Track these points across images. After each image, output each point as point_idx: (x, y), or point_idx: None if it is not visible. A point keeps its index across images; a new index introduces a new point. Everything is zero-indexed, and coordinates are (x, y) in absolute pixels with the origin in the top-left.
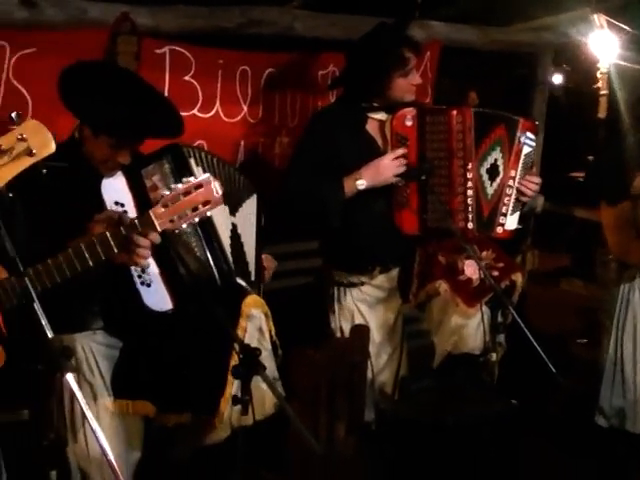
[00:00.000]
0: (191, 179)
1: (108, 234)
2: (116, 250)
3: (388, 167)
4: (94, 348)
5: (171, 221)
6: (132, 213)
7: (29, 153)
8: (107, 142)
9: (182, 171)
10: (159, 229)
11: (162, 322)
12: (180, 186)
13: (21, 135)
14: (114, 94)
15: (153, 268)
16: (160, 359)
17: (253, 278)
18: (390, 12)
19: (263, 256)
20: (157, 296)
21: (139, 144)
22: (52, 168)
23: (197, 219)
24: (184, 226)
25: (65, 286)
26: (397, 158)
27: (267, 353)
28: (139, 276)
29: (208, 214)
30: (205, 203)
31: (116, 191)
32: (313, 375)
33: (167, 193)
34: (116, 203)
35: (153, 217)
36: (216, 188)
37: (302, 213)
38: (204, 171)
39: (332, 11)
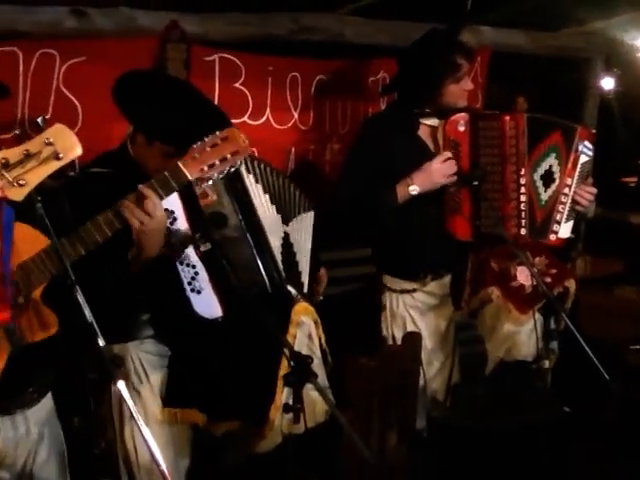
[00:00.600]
0: (217, 132)
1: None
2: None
3: (438, 170)
4: (143, 357)
5: (201, 170)
6: (182, 220)
7: (56, 157)
8: (161, 150)
9: (233, 178)
10: (190, 177)
11: (212, 329)
12: (206, 139)
13: (48, 139)
14: (169, 102)
15: (203, 275)
16: (209, 367)
17: (306, 290)
18: (439, 18)
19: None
20: (207, 303)
21: None
22: (96, 174)
23: (227, 168)
24: (215, 175)
25: (114, 294)
26: (446, 160)
27: (317, 361)
28: (189, 283)
29: (261, 221)
30: (234, 153)
31: (167, 198)
32: (365, 383)
33: (195, 146)
34: (166, 210)
35: (182, 166)
36: (242, 138)
37: (355, 220)
38: (255, 179)
39: (381, 17)
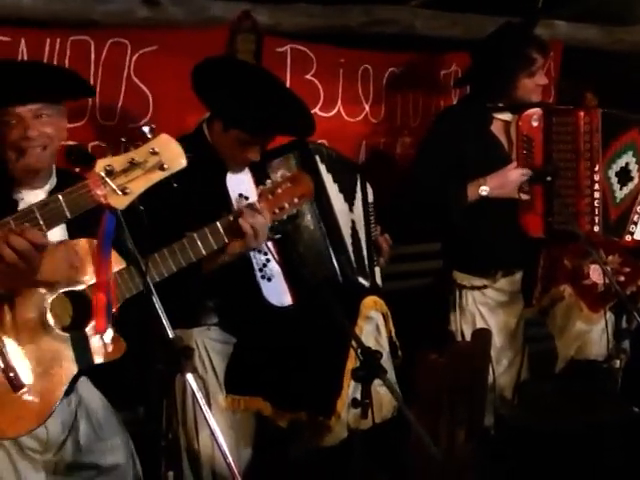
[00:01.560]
0: (286, 173)
1: (218, 223)
2: (226, 239)
3: (513, 181)
4: (208, 344)
5: (273, 213)
6: None
7: (160, 167)
8: (237, 137)
9: (307, 167)
10: (268, 220)
11: (280, 318)
12: (277, 180)
13: (153, 149)
14: (248, 90)
15: (274, 262)
16: (276, 356)
17: (367, 270)
18: (511, 11)
19: (380, 238)
20: (277, 290)
21: (269, 141)
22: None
23: (294, 211)
24: (308, 217)
25: (182, 279)
26: (522, 171)
27: (386, 355)
28: (260, 269)
29: (333, 209)
30: (300, 196)
31: (241, 184)
32: (434, 379)
33: (268, 187)
34: (240, 195)
35: (260, 208)
36: (309, 182)
37: (424, 215)
38: (327, 169)
39: (454, 10)
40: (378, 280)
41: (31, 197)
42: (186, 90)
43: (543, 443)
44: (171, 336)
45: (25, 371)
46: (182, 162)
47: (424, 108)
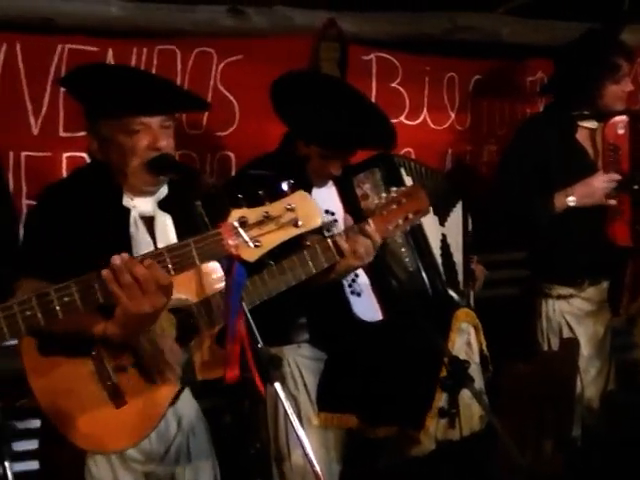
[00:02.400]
0: (401, 188)
1: (329, 240)
2: (337, 257)
3: (600, 189)
4: (299, 361)
5: (386, 230)
6: (342, 222)
7: (295, 224)
8: (319, 152)
9: (393, 180)
10: (378, 237)
11: (370, 333)
12: (392, 195)
13: (289, 205)
14: (327, 104)
15: (363, 277)
16: (367, 371)
17: (462, 287)
18: (597, 17)
19: (474, 265)
20: (367, 306)
21: (351, 155)
22: (259, 176)
23: (408, 228)
24: (398, 234)
25: (281, 294)
26: (609, 180)
27: (475, 366)
28: (349, 285)
29: (420, 222)
30: (415, 212)
31: (327, 199)
32: (521, 389)
33: (379, 202)
34: (326, 211)
35: (372, 225)
36: (425, 197)
37: (510, 224)
38: (414, 181)
39: (538, 17)
40: (471, 303)
41: (143, 205)
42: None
43: (631, 454)
44: (260, 345)
45: (128, 387)
46: (317, 221)
47: (510, 116)
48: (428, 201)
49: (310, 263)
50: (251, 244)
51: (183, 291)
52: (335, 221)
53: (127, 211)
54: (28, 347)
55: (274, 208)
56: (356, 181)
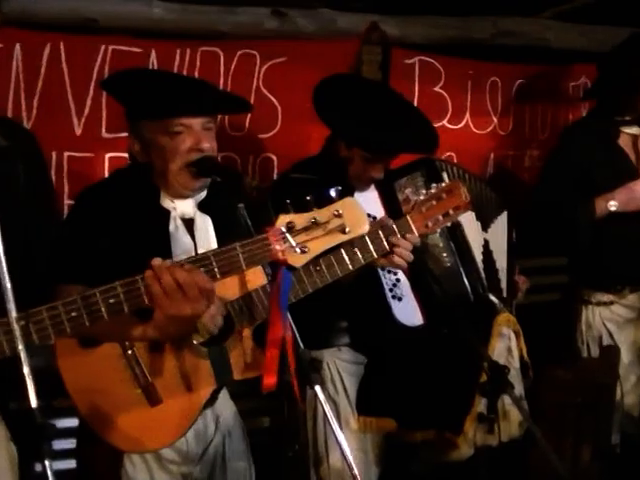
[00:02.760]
0: (441, 184)
1: (367, 238)
2: (375, 255)
3: None
4: (339, 365)
5: (426, 226)
6: None
7: (342, 230)
8: (361, 156)
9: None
10: (416, 234)
11: (411, 337)
12: (432, 191)
13: (337, 211)
14: (369, 108)
15: (405, 282)
16: (407, 375)
17: (505, 295)
18: None
19: (517, 276)
20: (408, 310)
21: (393, 159)
22: (302, 180)
23: (448, 224)
24: (438, 231)
25: (322, 297)
26: None
27: (514, 372)
28: (390, 289)
29: (462, 226)
30: (455, 208)
31: (368, 203)
32: (560, 395)
33: (419, 198)
34: (368, 215)
35: (411, 221)
36: (465, 193)
37: (551, 229)
38: None
39: (583, 22)
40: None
41: (183, 207)
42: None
43: None
44: (301, 348)
45: (164, 386)
46: (365, 228)
47: (552, 121)
48: (468, 197)
49: (347, 260)
50: (298, 250)
51: (219, 289)
52: None
53: (167, 212)
54: (62, 348)
55: (322, 214)
56: (398, 185)
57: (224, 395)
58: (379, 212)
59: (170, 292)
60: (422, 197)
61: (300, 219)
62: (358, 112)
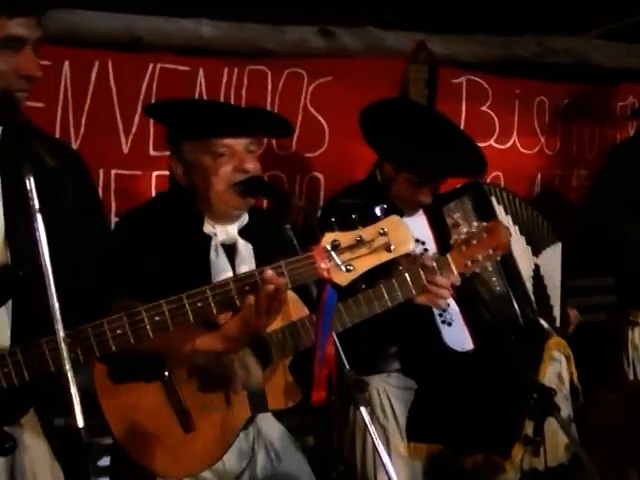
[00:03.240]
0: (482, 223)
1: (407, 275)
2: (414, 292)
3: None
4: (389, 391)
5: (465, 265)
6: (433, 250)
7: (387, 248)
8: (409, 180)
9: (483, 209)
10: (455, 272)
11: (461, 362)
12: (472, 230)
13: (382, 229)
14: (417, 132)
15: (454, 307)
16: (457, 401)
17: (558, 324)
18: None
19: (569, 310)
20: (458, 335)
21: (441, 183)
22: (350, 205)
23: (488, 264)
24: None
25: (372, 324)
26: None
27: (563, 395)
28: (440, 314)
29: (511, 250)
30: (495, 248)
31: (417, 228)
32: (608, 418)
33: (458, 237)
34: (417, 240)
35: (451, 260)
36: (505, 234)
37: (598, 249)
38: (505, 210)
39: (629, 41)
40: None
41: (225, 232)
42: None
43: None
44: (346, 369)
45: (199, 413)
46: (410, 246)
47: (600, 140)
48: (508, 238)
49: (386, 296)
50: (343, 268)
51: None
52: (426, 250)
53: (208, 238)
54: (99, 370)
55: (367, 232)
56: (446, 210)
57: (267, 416)
58: (427, 237)
59: (266, 301)
60: (463, 236)
61: (345, 237)
62: (406, 136)
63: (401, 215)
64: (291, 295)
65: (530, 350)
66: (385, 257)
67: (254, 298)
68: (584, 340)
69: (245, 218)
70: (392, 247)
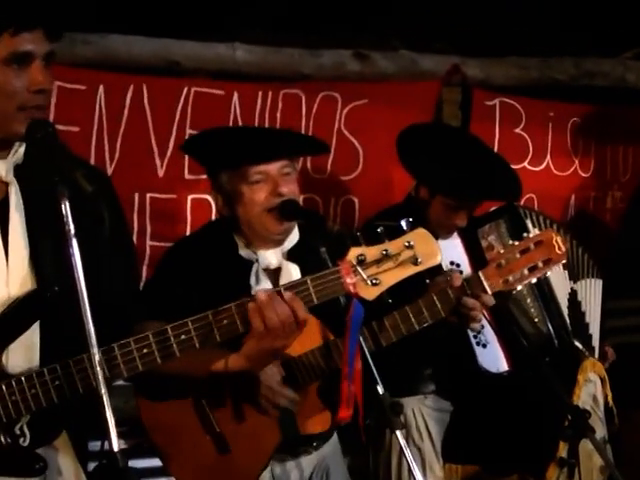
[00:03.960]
0: (530, 235)
1: (435, 297)
2: (444, 314)
3: None
4: (425, 412)
5: (505, 282)
6: (468, 273)
7: (414, 261)
8: (444, 203)
9: (519, 232)
10: (489, 291)
11: (496, 384)
12: (517, 243)
13: (409, 242)
14: (452, 156)
15: (489, 328)
16: (492, 422)
17: (596, 356)
18: None
19: (607, 348)
20: (493, 357)
21: (476, 207)
22: (385, 227)
23: (535, 280)
24: (519, 287)
25: (407, 346)
26: None
27: (598, 417)
28: (475, 336)
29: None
30: (546, 261)
31: (451, 251)
32: None
33: (502, 251)
34: (451, 263)
35: (483, 278)
36: (559, 244)
37: (634, 270)
38: None
39: None
40: None
41: (267, 257)
42: (395, 144)
43: None
44: (381, 392)
45: (232, 436)
46: (437, 259)
47: (634, 161)
48: (563, 247)
49: (426, 313)
50: (369, 282)
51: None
52: (461, 273)
53: (249, 264)
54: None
55: (393, 246)
56: (481, 233)
57: (335, 443)
58: (463, 260)
59: (271, 328)
60: (501, 250)
61: (371, 251)
62: (441, 159)
63: (436, 238)
64: (315, 320)
65: (565, 371)
66: (412, 270)
67: (259, 319)
68: (619, 362)
69: (294, 239)
70: (419, 260)
